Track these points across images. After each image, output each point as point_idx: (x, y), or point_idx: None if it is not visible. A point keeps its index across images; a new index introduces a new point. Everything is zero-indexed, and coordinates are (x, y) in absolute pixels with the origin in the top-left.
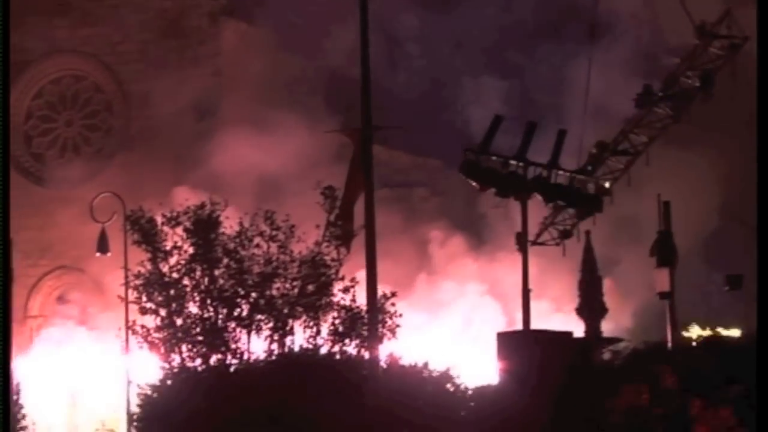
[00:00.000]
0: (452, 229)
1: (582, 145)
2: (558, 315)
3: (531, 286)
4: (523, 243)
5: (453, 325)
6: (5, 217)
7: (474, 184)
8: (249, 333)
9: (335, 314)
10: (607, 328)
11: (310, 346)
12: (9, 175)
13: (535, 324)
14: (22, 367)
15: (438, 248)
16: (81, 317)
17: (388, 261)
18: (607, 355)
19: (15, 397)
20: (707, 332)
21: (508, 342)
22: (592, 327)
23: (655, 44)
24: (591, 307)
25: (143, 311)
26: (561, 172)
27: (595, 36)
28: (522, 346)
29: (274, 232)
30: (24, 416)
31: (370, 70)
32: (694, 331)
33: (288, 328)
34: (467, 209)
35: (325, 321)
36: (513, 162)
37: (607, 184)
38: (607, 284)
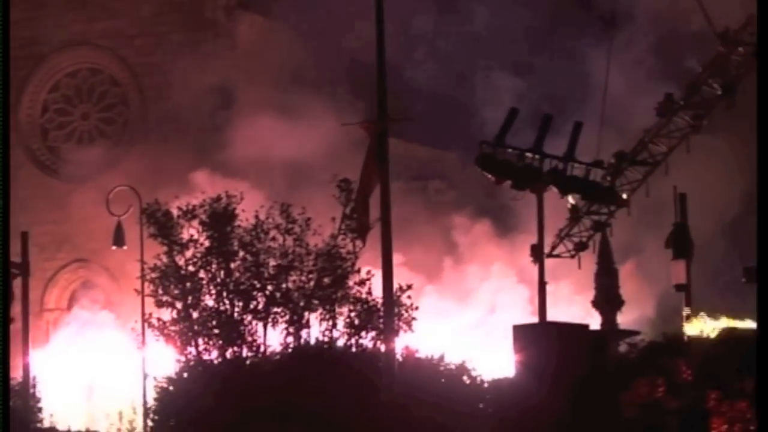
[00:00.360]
0: (474, 218)
1: (600, 139)
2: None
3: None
4: (539, 234)
5: (478, 312)
6: (5, 216)
7: (490, 176)
8: (265, 326)
9: (351, 307)
10: (631, 318)
11: (326, 339)
12: (9, 175)
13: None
14: (38, 360)
15: (463, 237)
16: (97, 310)
17: (418, 249)
18: (623, 348)
19: (31, 390)
20: (720, 324)
21: (523, 334)
22: (608, 319)
23: (675, 45)
24: (607, 300)
25: (159, 304)
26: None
27: (614, 31)
28: (538, 338)
29: (290, 225)
30: (41, 409)
31: (385, 63)
32: (699, 325)
33: (304, 320)
34: (485, 201)
35: (341, 314)
36: (529, 154)
37: (624, 195)
38: (627, 271)
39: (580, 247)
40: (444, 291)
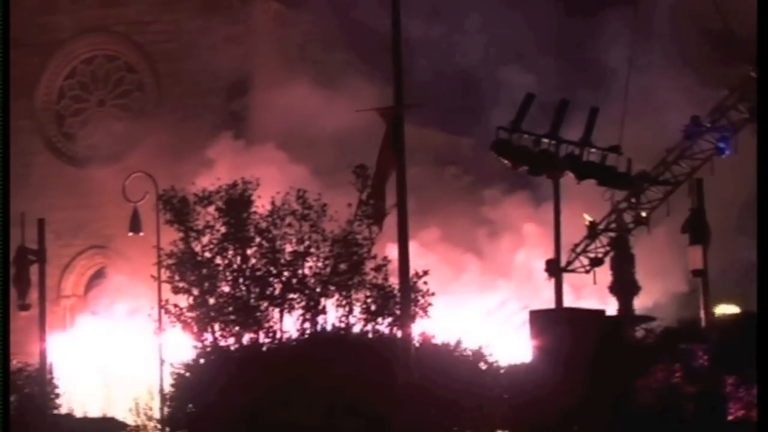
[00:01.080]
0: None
1: (622, 125)
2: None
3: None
4: (555, 222)
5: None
6: (5, 216)
7: (506, 162)
8: (281, 312)
9: (367, 293)
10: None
11: (342, 325)
12: (9, 174)
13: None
14: (55, 347)
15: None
16: (113, 297)
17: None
18: (639, 333)
19: (48, 376)
20: (736, 309)
21: (540, 320)
22: (625, 305)
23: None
24: (623, 285)
25: (176, 290)
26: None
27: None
28: (554, 324)
29: (305, 211)
30: (58, 395)
31: (401, 48)
32: (721, 309)
33: (320, 306)
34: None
35: (358, 300)
36: (545, 140)
37: (644, 213)
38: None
39: (596, 262)
40: (484, 263)
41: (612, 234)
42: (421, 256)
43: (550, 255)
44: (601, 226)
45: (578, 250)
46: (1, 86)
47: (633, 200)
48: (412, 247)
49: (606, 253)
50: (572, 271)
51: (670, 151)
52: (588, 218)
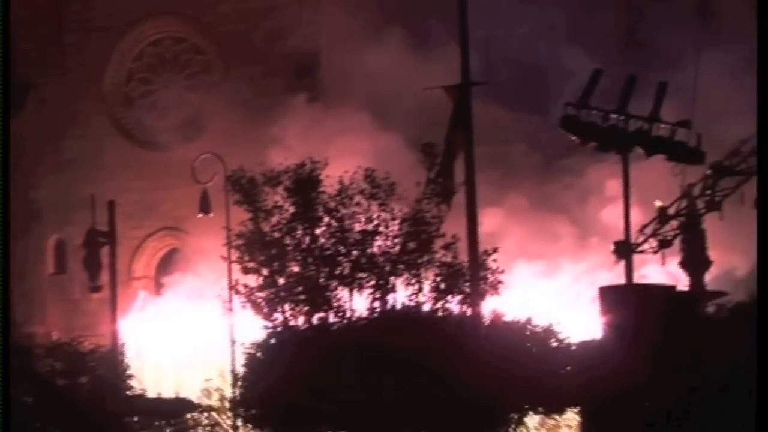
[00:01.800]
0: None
1: (696, 97)
2: None
3: None
4: (624, 197)
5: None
6: (5, 216)
7: (574, 138)
8: (351, 291)
9: (437, 271)
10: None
11: (412, 304)
12: (9, 174)
13: None
14: (127, 328)
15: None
16: (184, 278)
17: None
18: (711, 309)
19: (120, 357)
20: None
21: (611, 296)
22: (696, 280)
23: None
24: (694, 261)
25: (245, 271)
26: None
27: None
28: (625, 300)
29: (374, 190)
30: (130, 376)
31: (468, 25)
32: None
33: (389, 285)
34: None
35: (427, 278)
36: (613, 116)
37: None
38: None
39: (664, 244)
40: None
41: (683, 218)
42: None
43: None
44: (671, 211)
45: (646, 231)
46: (2, 86)
47: (708, 192)
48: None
49: (675, 236)
50: (641, 252)
51: (744, 141)
52: (658, 203)
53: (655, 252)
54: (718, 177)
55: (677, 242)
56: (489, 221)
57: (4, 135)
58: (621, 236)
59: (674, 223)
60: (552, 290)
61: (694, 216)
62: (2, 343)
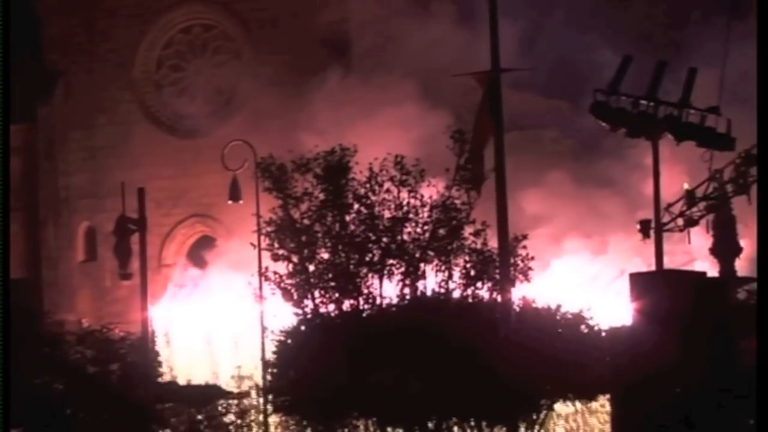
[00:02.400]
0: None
1: (722, 85)
2: None
3: None
4: (655, 183)
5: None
6: (5, 216)
7: (604, 124)
8: (381, 278)
9: (466, 258)
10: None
11: (442, 290)
12: (9, 174)
13: None
14: (157, 315)
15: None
16: (214, 265)
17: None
18: (742, 295)
19: (151, 344)
20: None
21: (641, 283)
22: (727, 266)
23: None
24: (725, 247)
25: (275, 258)
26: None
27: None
28: (655, 286)
29: (404, 177)
30: (161, 363)
31: (497, 12)
32: None
33: (419, 272)
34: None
35: (457, 265)
36: (643, 102)
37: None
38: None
39: (690, 222)
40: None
41: (713, 201)
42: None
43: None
44: (699, 194)
45: (672, 210)
46: (1, 86)
47: (741, 180)
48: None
49: (702, 216)
50: (668, 230)
51: None
52: (686, 186)
53: (681, 230)
54: (748, 164)
55: (709, 228)
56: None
57: (3, 134)
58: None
59: (701, 205)
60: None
61: (721, 198)
62: (3, 341)
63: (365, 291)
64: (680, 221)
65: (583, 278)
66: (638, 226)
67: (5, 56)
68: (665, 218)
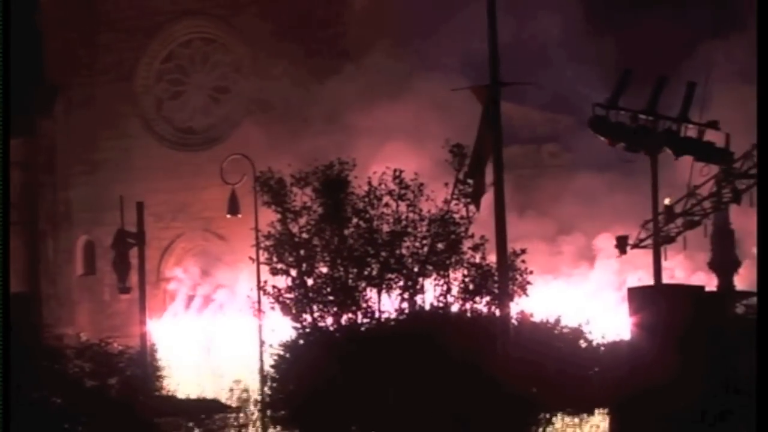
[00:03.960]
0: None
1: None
2: None
3: None
4: (653, 197)
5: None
6: (5, 216)
7: (603, 139)
8: (379, 292)
9: (465, 272)
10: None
11: (441, 304)
12: (9, 174)
13: None
14: (157, 329)
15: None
16: (212, 279)
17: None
18: (740, 310)
19: (149, 358)
20: None
21: (639, 297)
22: (725, 281)
23: None
24: (723, 261)
25: (274, 272)
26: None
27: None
28: (653, 301)
29: (402, 191)
30: (159, 377)
31: (497, 26)
32: None
33: (418, 286)
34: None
35: (455, 279)
36: (642, 116)
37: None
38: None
39: (667, 240)
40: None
41: (690, 217)
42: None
43: None
44: (678, 209)
45: (649, 227)
46: (1, 86)
47: (717, 192)
48: None
49: (679, 233)
50: (644, 247)
51: (756, 146)
52: (667, 201)
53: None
54: (727, 180)
55: (707, 242)
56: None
57: (4, 134)
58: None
59: (680, 222)
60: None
61: (698, 215)
62: (3, 340)
63: (364, 305)
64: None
65: (582, 292)
66: (614, 242)
67: (5, 69)
68: (642, 235)
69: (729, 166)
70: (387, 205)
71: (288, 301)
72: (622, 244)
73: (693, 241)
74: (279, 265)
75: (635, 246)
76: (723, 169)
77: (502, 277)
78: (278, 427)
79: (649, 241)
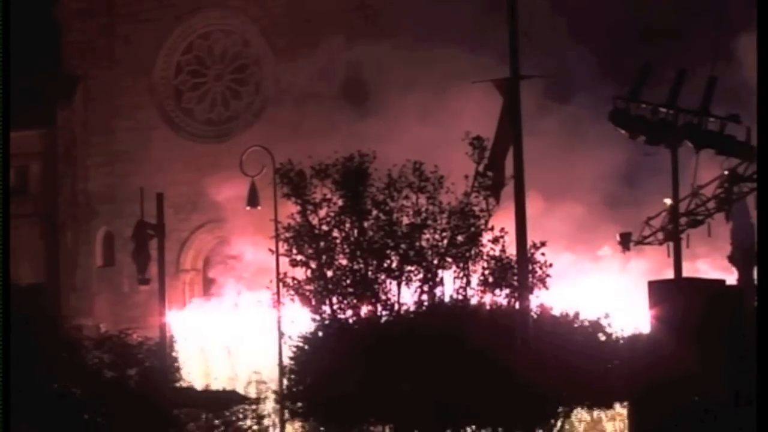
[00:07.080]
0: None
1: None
2: None
3: None
4: (674, 189)
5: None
6: (5, 216)
7: (623, 132)
8: (399, 284)
9: (485, 264)
10: None
11: (460, 297)
12: (9, 175)
13: None
14: (176, 320)
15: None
16: (232, 270)
17: None
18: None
19: (168, 350)
20: None
21: (659, 291)
22: (745, 274)
23: None
24: (743, 255)
25: (294, 263)
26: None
27: None
28: (674, 294)
29: (422, 183)
30: (178, 368)
31: (518, 19)
32: None
33: (438, 278)
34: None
35: (475, 271)
36: (663, 110)
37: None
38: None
39: (669, 237)
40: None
41: (694, 216)
42: None
43: None
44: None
45: (653, 224)
46: (1, 87)
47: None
48: None
49: (682, 231)
50: (648, 243)
51: None
52: (667, 201)
53: (660, 243)
54: (733, 182)
55: (710, 241)
56: None
57: (4, 134)
58: None
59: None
60: None
61: (702, 214)
62: (3, 340)
63: (383, 297)
64: (660, 235)
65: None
66: (618, 238)
67: (5, 58)
68: (645, 232)
69: (733, 169)
70: (407, 197)
71: (307, 293)
72: (626, 241)
73: (693, 241)
74: (299, 257)
75: (638, 243)
76: (729, 170)
77: (522, 270)
78: (296, 419)
79: (651, 239)
